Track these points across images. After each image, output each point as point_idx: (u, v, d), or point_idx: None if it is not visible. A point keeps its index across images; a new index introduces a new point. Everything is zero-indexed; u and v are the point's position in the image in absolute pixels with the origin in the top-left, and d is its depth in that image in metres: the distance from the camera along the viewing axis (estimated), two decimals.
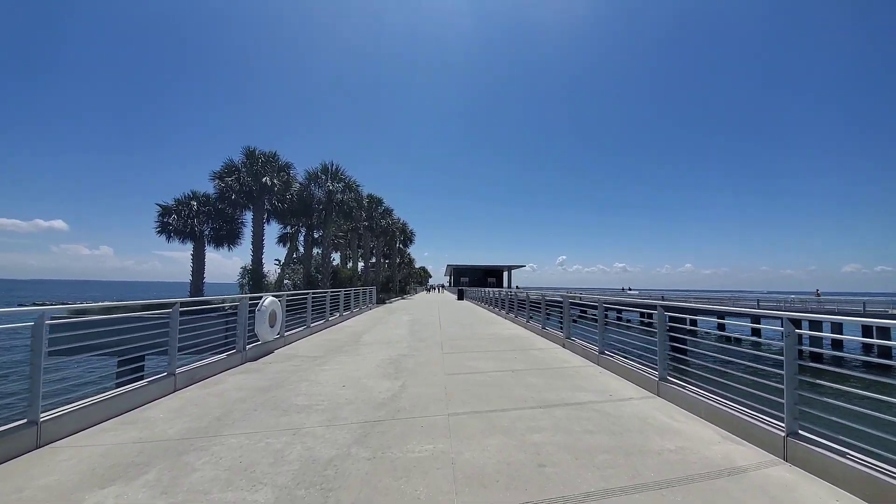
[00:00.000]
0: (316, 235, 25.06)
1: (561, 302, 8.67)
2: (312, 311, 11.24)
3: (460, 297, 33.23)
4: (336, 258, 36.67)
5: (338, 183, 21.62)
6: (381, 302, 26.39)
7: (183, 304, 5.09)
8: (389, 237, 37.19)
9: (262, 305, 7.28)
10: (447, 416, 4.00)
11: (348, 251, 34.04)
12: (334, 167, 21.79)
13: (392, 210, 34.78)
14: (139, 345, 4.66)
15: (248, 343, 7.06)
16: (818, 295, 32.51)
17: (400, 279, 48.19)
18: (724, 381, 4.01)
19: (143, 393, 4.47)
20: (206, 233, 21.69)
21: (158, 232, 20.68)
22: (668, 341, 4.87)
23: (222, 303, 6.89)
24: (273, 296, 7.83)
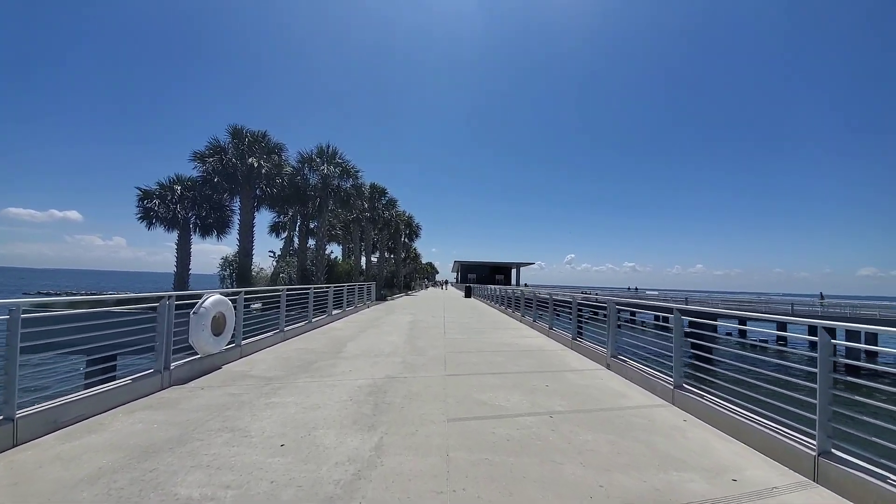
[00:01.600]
0: (312, 225, 23.15)
1: (603, 305, 6.62)
2: (294, 310, 9.35)
3: (467, 295, 31.24)
4: (337, 252, 34.90)
5: (334, 167, 19.50)
6: (382, 299, 24.51)
7: (26, 310, 3.16)
8: (393, 230, 35.20)
9: (200, 307, 5.34)
10: None
11: (350, 244, 32.15)
12: (331, 150, 19.65)
13: (396, 201, 32.78)
14: (110, 343, 4.42)
15: (181, 358, 5.16)
16: (822, 299, 32.01)
17: (405, 274, 46.27)
18: None
19: None
20: (192, 220, 19.88)
21: (140, 218, 18.83)
22: (832, 388, 2.82)
23: (116, 304, 4.97)
24: (221, 293, 5.90)
